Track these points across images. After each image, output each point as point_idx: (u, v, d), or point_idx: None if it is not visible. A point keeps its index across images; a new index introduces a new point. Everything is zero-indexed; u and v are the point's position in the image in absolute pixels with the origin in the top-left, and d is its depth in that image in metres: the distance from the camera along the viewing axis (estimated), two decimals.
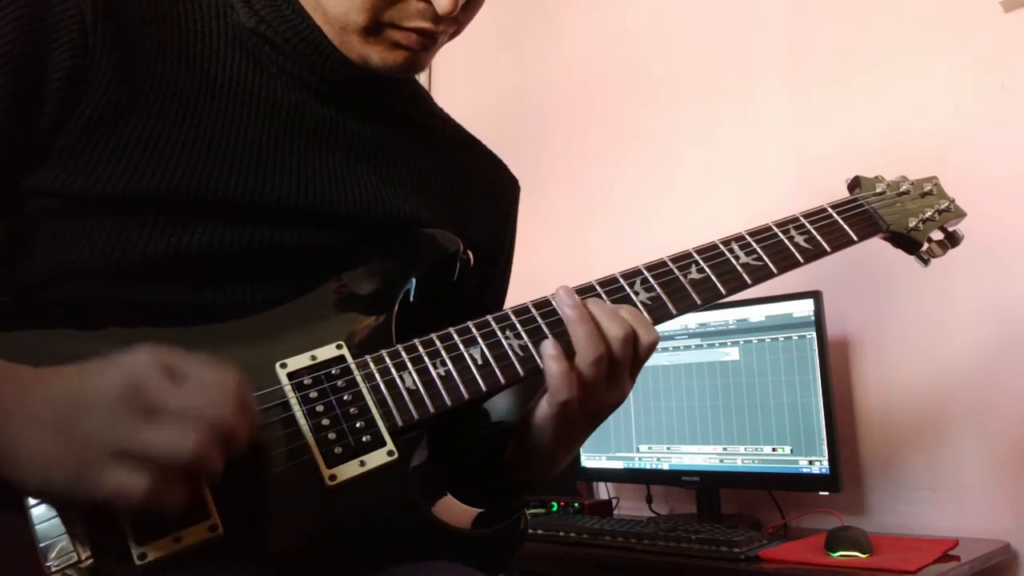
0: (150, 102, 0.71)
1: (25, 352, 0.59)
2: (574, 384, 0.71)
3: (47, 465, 0.53)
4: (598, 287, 0.78)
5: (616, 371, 0.73)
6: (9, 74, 0.66)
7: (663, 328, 0.77)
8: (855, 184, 0.97)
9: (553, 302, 0.75)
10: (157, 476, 0.53)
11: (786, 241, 0.85)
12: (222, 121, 0.74)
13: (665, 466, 1.73)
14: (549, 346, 0.72)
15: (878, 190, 0.95)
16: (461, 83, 2.47)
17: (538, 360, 0.73)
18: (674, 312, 0.79)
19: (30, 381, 0.56)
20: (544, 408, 0.75)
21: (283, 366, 0.68)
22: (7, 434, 0.53)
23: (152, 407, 0.54)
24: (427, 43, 0.77)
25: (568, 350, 0.72)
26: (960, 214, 0.97)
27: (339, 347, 0.70)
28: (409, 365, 0.71)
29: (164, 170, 0.70)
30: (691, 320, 1.69)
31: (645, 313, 0.77)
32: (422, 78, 0.90)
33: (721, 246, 0.83)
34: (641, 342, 0.74)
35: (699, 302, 0.80)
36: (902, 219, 0.93)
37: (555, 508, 1.76)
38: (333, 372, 0.69)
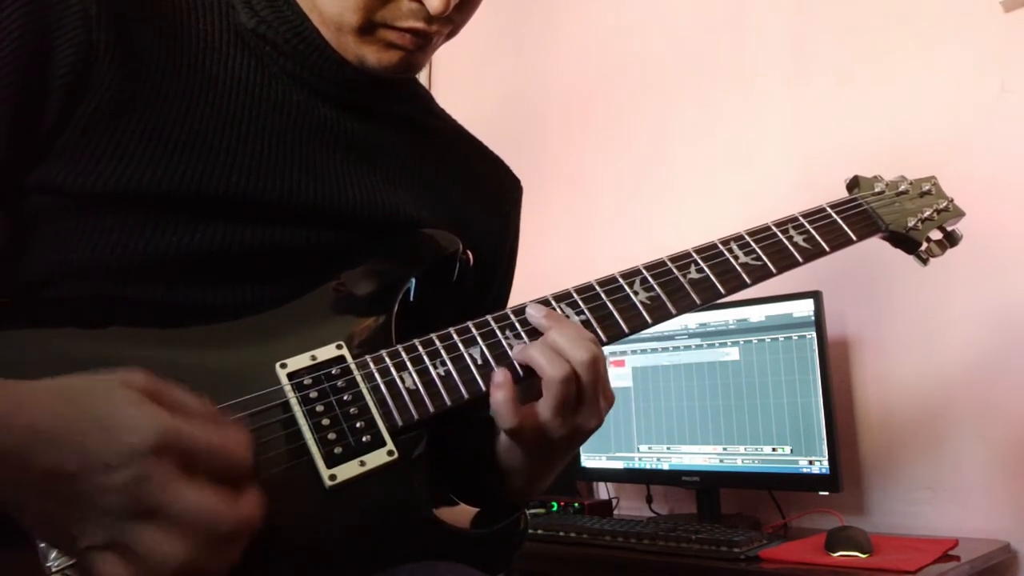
0: (152, 100, 0.71)
1: (25, 352, 0.59)
2: (518, 412, 0.70)
3: (41, 527, 0.52)
4: (598, 287, 0.78)
5: (585, 395, 0.71)
6: (13, 72, 0.66)
7: (663, 328, 0.77)
8: (854, 184, 0.97)
9: (528, 318, 0.74)
10: (141, 572, 0.50)
11: (785, 241, 0.85)
12: (223, 120, 0.74)
13: (665, 466, 1.73)
14: (498, 374, 0.71)
15: (877, 190, 0.95)
16: (461, 83, 2.47)
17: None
18: (674, 312, 0.79)
19: (28, 439, 0.51)
20: (503, 439, 0.74)
21: (283, 366, 0.68)
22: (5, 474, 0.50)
23: (154, 510, 0.51)
24: (421, 43, 0.77)
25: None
26: (959, 213, 0.97)
27: (339, 347, 0.70)
28: (409, 365, 0.71)
29: (165, 168, 0.70)
30: (691, 320, 1.69)
31: (645, 313, 0.77)
32: (422, 78, 0.90)
33: (720, 246, 0.83)
34: (598, 359, 0.72)
35: (698, 302, 0.80)
36: (901, 219, 0.93)
37: (555, 508, 1.76)
38: (333, 372, 0.69)
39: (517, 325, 0.75)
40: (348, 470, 0.65)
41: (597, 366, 0.71)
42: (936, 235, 0.97)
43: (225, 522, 0.52)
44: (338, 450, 0.66)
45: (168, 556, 0.50)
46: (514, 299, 0.84)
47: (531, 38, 2.36)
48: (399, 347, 0.72)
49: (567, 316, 0.76)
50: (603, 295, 0.78)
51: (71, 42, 0.68)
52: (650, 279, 0.79)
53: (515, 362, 0.73)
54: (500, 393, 0.70)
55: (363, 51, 0.76)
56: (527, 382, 0.73)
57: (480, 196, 0.92)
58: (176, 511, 0.51)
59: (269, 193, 0.74)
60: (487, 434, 0.80)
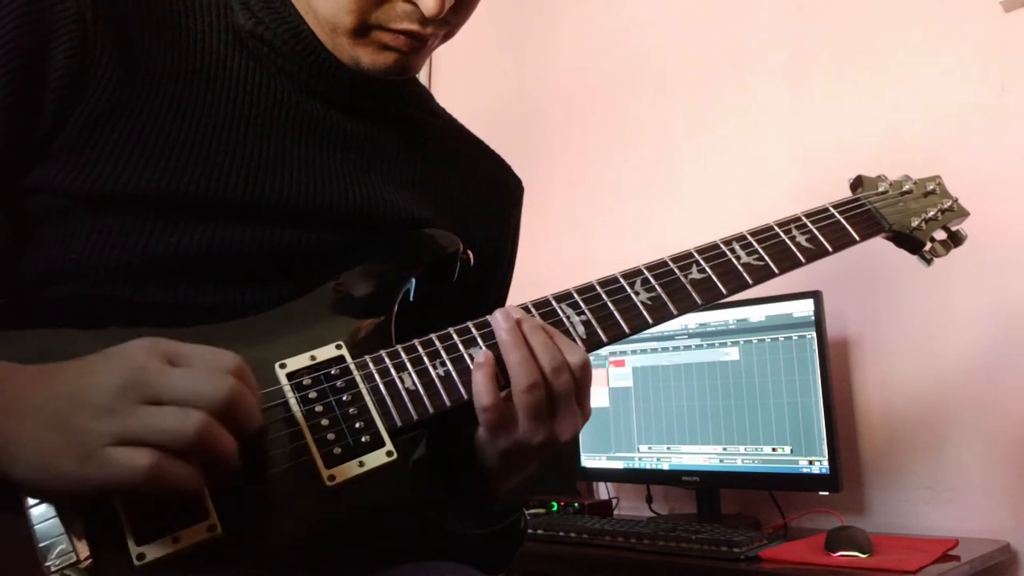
0: (150, 101, 0.71)
1: (25, 352, 0.59)
2: (496, 391, 0.69)
3: (49, 459, 0.53)
4: (598, 287, 0.78)
5: (557, 402, 0.70)
6: (9, 73, 0.66)
7: (663, 328, 0.77)
8: (857, 183, 0.97)
9: (491, 323, 0.72)
10: (162, 456, 0.53)
11: (788, 241, 0.85)
12: (222, 121, 0.73)
13: (665, 466, 1.73)
14: (480, 354, 0.70)
15: (880, 189, 0.95)
16: (461, 83, 2.47)
17: None
18: (675, 312, 0.78)
19: (29, 380, 0.56)
20: (481, 431, 0.72)
21: (282, 366, 0.68)
22: (6, 433, 0.53)
23: (154, 392, 0.54)
24: (416, 45, 0.76)
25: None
26: (963, 213, 0.97)
27: (339, 347, 0.70)
28: (408, 366, 0.70)
29: (164, 170, 0.69)
30: (691, 320, 1.69)
31: (646, 313, 0.77)
32: (422, 77, 0.90)
33: (722, 246, 0.83)
34: (573, 367, 0.71)
35: (700, 302, 0.79)
36: (905, 219, 0.93)
37: (555, 508, 1.76)
38: (332, 372, 0.69)
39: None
40: (347, 470, 0.65)
41: (562, 372, 0.70)
42: (940, 235, 0.96)
43: (221, 387, 0.55)
44: (337, 450, 0.65)
45: (184, 429, 0.53)
46: (514, 299, 0.84)
47: (531, 38, 2.36)
48: (399, 347, 0.71)
49: (567, 317, 0.75)
50: (604, 295, 0.77)
51: (67, 44, 0.67)
52: (651, 279, 0.79)
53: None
54: (480, 373, 0.69)
55: (357, 53, 0.76)
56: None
57: (481, 196, 0.92)
58: (180, 389, 0.55)
59: (268, 194, 0.74)
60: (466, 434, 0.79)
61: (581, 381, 0.72)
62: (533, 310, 0.75)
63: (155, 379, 0.55)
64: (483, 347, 0.71)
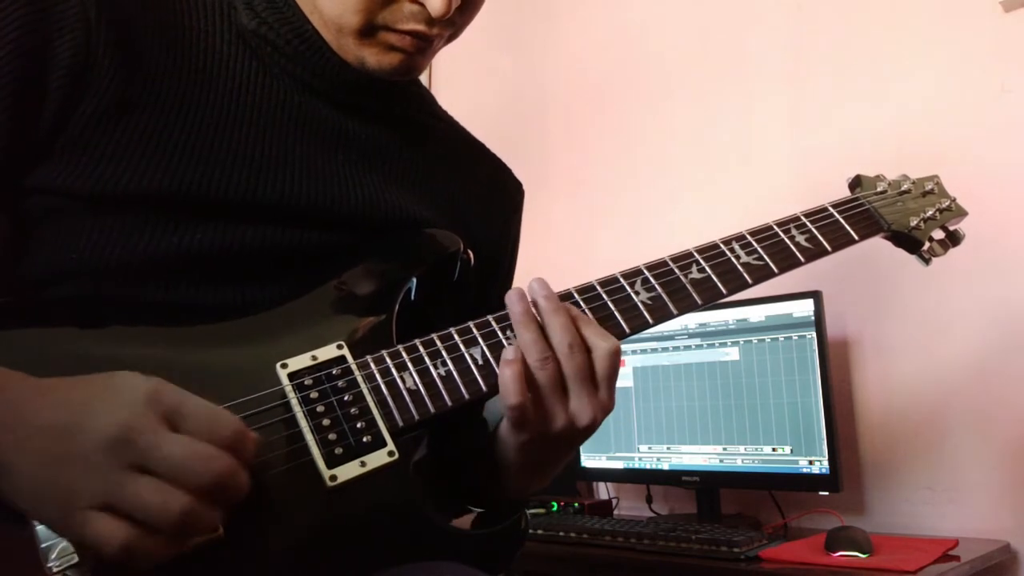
0: (152, 101, 0.71)
1: (27, 352, 0.59)
2: (524, 390, 0.68)
3: (35, 497, 0.54)
4: (599, 287, 0.78)
5: (568, 383, 0.70)
6: (12, 71, 0.66)
7: (663, 328, 0.77)
8: (856, 183, 0.97)
9: (506, 302, 0.73)
10: (138, 534, 0.52)
11: (787, 240, 0.85)
12: (224, 120, 0.73)
13: (665, 466, 1.73)
14: (509, 351, 0.70)
15: (879, 189, 0.95)
16: (461, 83, 2.47)
17: None
18: (675, 312, 0.78)
19: (31, 394, 0.56)
20: (505, 426, 0.73)
21: (284, 366, 0.68)
22: (2, 449, 0.53)
23: (144, 459, 0.53)
24: (422, 46, 0.76)
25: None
26: (961, 213, 0.97)
27: (340, 347, 0.70)
28: (410, 365, 0.70)
29: (166, 169, 0.70)
30: (691, 320, 1.69)
31: (646, 313, 0.77)
32: (422, 78, 0.90)
33: (722, 245, 0.83)
34: (595, 351, 0.71)
35: (700, 302, 0.79)
36: (903, 218, 0.93)
37: (555, 508, 1.76)
38: (334, 372, 0.69)
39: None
40: (349, 470, 0.65)
41: (576, 353, 0.70)
42: (938, 235, 0.96)
43: (212, 469, 0.54)
44: (339, 450, 0.65)
45: (165, 510, 0.52)
46: None
47: (531, 38, 2.36)
48: (400, 347, 0.71)
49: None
50: (604, 295, 0.77)
51: (70, 43, 0.67)
52: (651, 279, 0.79)
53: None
54: (509, 369, 0.69)
55: (363, 53, 0.76)
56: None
57: (481, 198, 0.92)
58: (166, 461, 0.53)
59: (270, 194, 0.74)
60: (482, 432, 0.79)
61: (601, 366, 0.71)
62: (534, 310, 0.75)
63: (148, 444, 0.53)
64: (497, 366, 0.71)
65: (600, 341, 0.71)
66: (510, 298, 0.73)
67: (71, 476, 0.53)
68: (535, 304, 0.72)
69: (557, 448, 0.74)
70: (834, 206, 0.90)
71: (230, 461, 0.55)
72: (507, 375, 0.69)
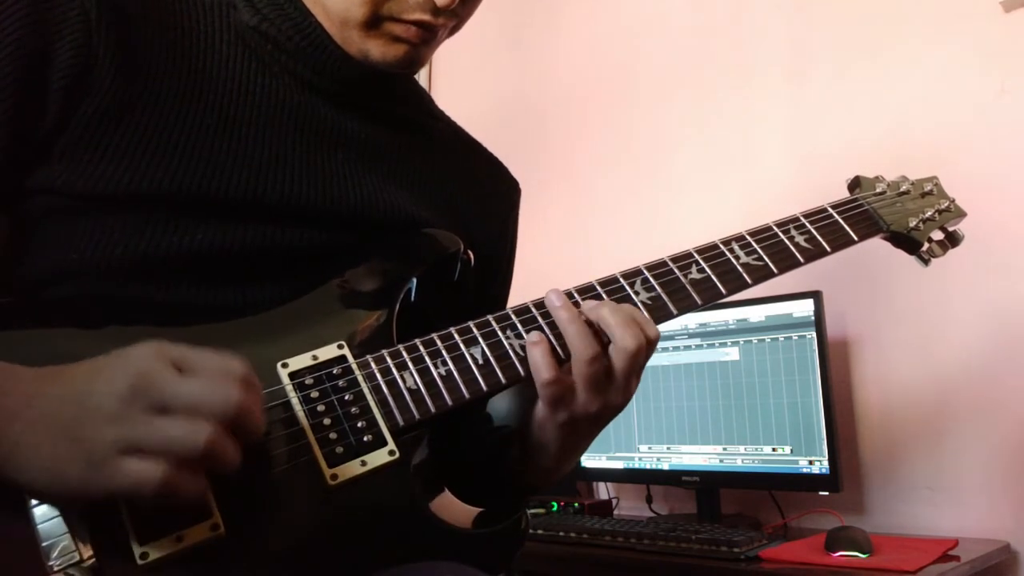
0: (152, 101, 0.71)
1: (27, 352, 0.59)
2: (556, 366, 0.71)
3: (58, 466, 0.53)
4: (599, 287, 0.78)
5: (615, 370, 0.72)
6: (13, 72, 0.66)
7: (663, 328, 0.77)
8: (855, 184, 0.97)
9: (546, 305, 0.75)
10: (172, 467, 0.53)
11: (786, 241, 0.85)
12: (224, 120, 0.74)
13: (665, 466, 1.73)
14: (533, 335, 0.73)
15: (878, 190, 0.95)
16: (461, 83, 2.47)
17: None
18: (675, 312, 0.79)
19: (34, 383, 0.56)
20: (541, 407, 0.74)
21: (284, 366, 0.68)
22: (11, 438, 0.53)
23: (162, 401, 0.54)
24: (427, 36, 0.77)
25: (565, 351, 0.72)
26: (960, 214, 0.97)
27: (340, 347, 0.70)
28: (410, 365, 0.71)
29: (166, 169, 0.70)
30: (691, 320, 1.69)
31: (646, 313, 0.77)
32: (422, 78, 0.90)
33: (721, 246, 0.83)
34: (646, 341, 0.73)
35: (699, 302, 0.80)
36: (902, 219, 0.93)
37: (555, 508, 1.76)
38: (334, 372, 0.69)
39: (518, 325, 0.75)
40: (349, 470, 0.65)
41: (632, 353, 0.72)
42: (938, 235, 0.96)
43: (230, 399, 0.55)
44: (339, 450, 0.66)
45: (194, 440, 0.53)
46: (514, 300, 0.84)
47: (531, 38, 2.36)
48: (400, 347, 0.72)
49: None
50: (604, 295, 0.77)
51: (71, 44, 0.68)
52: (651, 279, 0.79)
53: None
54: (537, 349, 0.71)
55: (368, 45, 0.77)
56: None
57: (479, 198, 0.92)
58: (188, 398, 0.54)
59: (270, 193, 0.74)
60: (521, 411, 0.81)
61: (644, 356, 0.73)
62: (534, 310, 0.76)
63: (162, 386, 0.54)
64: (496, 366, 0.72)
65: (652, 332, 0.73)
66: (549, 300, 0.74)
67: (91, 432, 0.53)
68: (583, 298, 0.75)
69: (595, 424, 0.76)
70: (833, 207, 0.90)
71: (244, 392, 0.56)
72: (536, 354, 0.71)
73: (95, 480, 0.53)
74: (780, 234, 0.85)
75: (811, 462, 1.54)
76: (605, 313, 0.72)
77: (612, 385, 0.73)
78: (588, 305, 0.74)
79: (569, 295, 0.77)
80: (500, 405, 0.84)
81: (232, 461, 0.56)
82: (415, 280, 0.78)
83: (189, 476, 0.54)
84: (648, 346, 0.73)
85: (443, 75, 2.52)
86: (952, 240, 0.97)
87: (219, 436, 0.54)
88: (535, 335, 0.72)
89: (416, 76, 0.92)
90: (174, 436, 0.53)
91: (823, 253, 0.86)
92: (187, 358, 0.56)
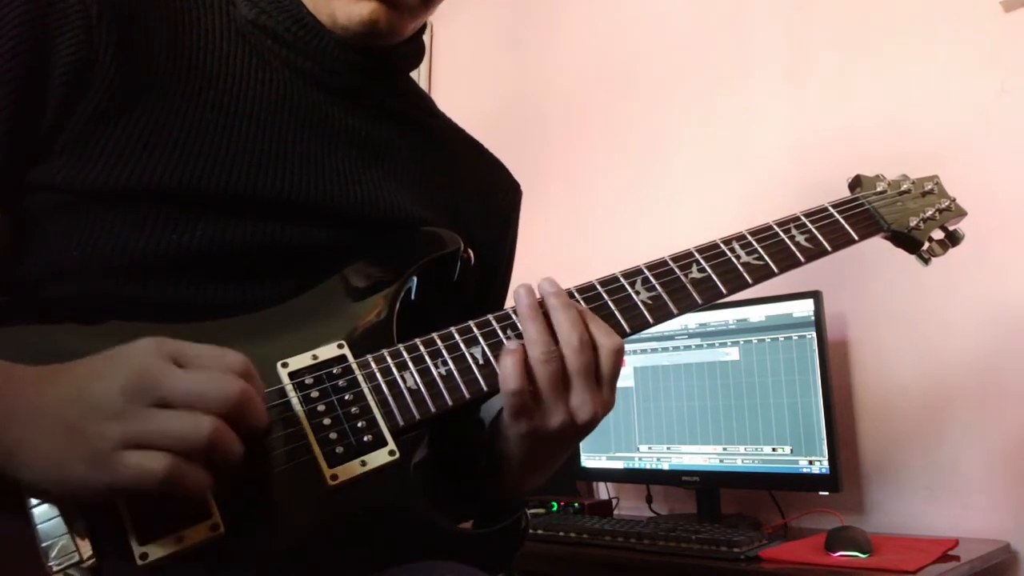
0: (152, 98, 0.71)
1: (28, 351, 0.59)
2: (523, 378, 0.69)
3: (60, 464, 0.53)
4: (599, 287, 0.78)
5: (572, 378, 0.70)
6: (14, 68, 0.66)
7: (663, 328, 0.77)
8: (856, 183, 0.97)
9: (514, 296, 0.74)
10: (175, 459, 0.53)
11: (787, 240, 0.85)
12: (224, 117, 0.74)
13: (665, 466, 1.73)
14: (511, 343, 0.71)
15: (879, 189, 0.95)
16: (461, 83, 2.47)
17: None
18: (675, 311, 0.78)
19: (34, 382, 0.56)
20: (504, 416, 0.73)
21: (284, 365, 0.68)
22: (13, 437, 0.53)
23: (162, 396, 0.54)
24: None
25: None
26: (961, 213, 0.97)
27: (340, 346, 0.70)
28: (410, 364, 0.71)
29: (166, 166, 0.70)
30: (691, 320, 1.69)
31: (646, 313, 0.77)
32: (422, 77, 0.90)
33: (722, 245, 0.83)
34: (601, 349, 0.71)
35: (700, 301, 0.79)
36: (903, 218, 0.93)
37: (555, 508, 1.76)
38: (334, 371, 0.69)
39: (519, 325, 0.74)
40: (349, 470, 0.65)
41: (584, 350, 0.70)
42: (938, 235, 0.96)
43: (231, 390, 0.55)
44: (339, 450, 0.66)
45: (197, 433, 0.53)
46: (512, 300, 0.84)
47: (531, 38, 2.36)
48: (400, 346, 0.71)
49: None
50: (605, 294, 0.77)
51: (71, 41, 0.68)
52: (652, 279, 0.79)
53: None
54: (509, 358, 0.69)
55: (332, 7, 0.77)
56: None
57: (480, 198, 0.92)
58: (188, 392, 0.54)
59: (270, 190, 0.74)
60: (478, 430, 0.80)
61: (606, 364, 0.71)
62: None
63: (162, 381, 0.54)
64: (505, 340, 0.72)
65: (605, 339, 0.71)
66: (518, 292, 0.73)
67: (93, 429, 0.53)
68: (543, 300, 0.73)
69: (557, 442, 0.74)
70: (834, 206, 0.90)
71: (245, 384, 0.56)
72: (507, 363, 0.69)
73: (99, 476, 0.53)
74: (781, 233, 0.85)
75: (811, 462, 1.54)
76: (559, 313, 0.71)
77: (571, 393, 0.71)
78: (555, 302, 0.72)
79: (569, 294, 0.77)
80: (492, 408, 0.83)
81: (235, 453, 0.56)
82: (415, 279, 0.77)
83: (192, 469, 0.54)
84: (603, 351, 0.71)
85: (443, 75, 2.52)
86: (952, 239, 0.97)
87: (221, 428, 0.54)
88: (514, 344, 0.70)
89: (416, 76, 0.92)
90: (176, 429, 0.53)
91: (824, 252, 0.86)
92: (186, 353, 0.57)
